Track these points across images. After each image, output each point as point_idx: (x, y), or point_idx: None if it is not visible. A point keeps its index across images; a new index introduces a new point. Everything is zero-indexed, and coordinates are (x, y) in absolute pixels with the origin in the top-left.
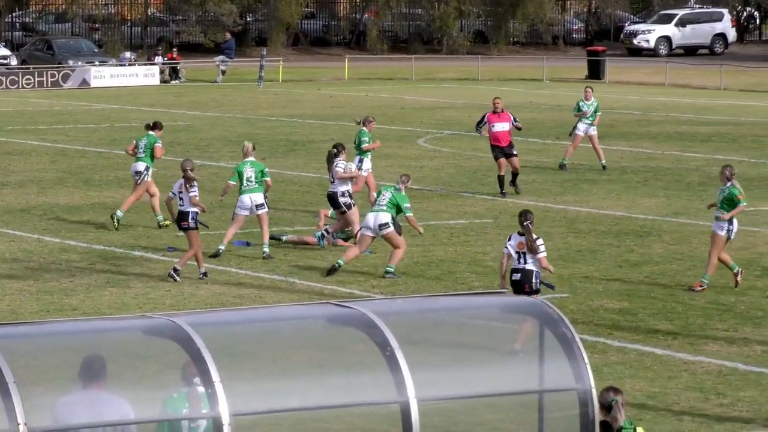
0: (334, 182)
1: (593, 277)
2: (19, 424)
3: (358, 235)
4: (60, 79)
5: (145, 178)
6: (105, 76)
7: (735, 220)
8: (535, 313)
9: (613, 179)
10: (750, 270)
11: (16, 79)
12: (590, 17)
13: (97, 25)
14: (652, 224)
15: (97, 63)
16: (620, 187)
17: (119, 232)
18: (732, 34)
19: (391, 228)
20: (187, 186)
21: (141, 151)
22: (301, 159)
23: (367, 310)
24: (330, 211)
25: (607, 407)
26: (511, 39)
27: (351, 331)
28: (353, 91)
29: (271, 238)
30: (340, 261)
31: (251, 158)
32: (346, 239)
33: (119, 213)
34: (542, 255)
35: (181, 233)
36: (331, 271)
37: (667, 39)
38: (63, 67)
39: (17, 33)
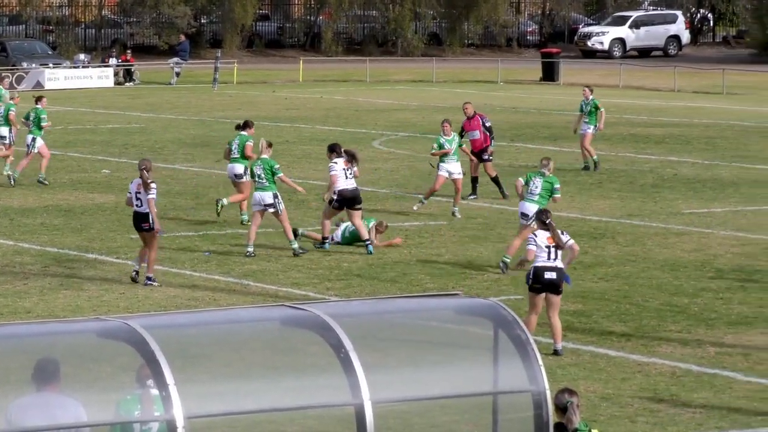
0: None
1: None
2: None
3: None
4: (14, 81)
5: (246, 178)
6: (59, 78)
7: None
8: (489, 315)
9: (567, 181)
10: (703, 272)
11: None
12: (544, 19)
13: (51, 27)
14: (606, 226)
15: (51, 65)
16: (574, 189)
17: (73, 234)
18: (686, 36)
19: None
20: (146, 188)
21: (235, 152)
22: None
23: (321, 312)
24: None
25: (562, 409)
26: (466, 41)
27: (305, 334)
28: (308, 93)
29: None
30: (505, 258)
31: (264, 156)
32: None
33: (230, 204)
34: (572, 241)
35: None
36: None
37: (621, 41)
38: (17, 69)
39: None
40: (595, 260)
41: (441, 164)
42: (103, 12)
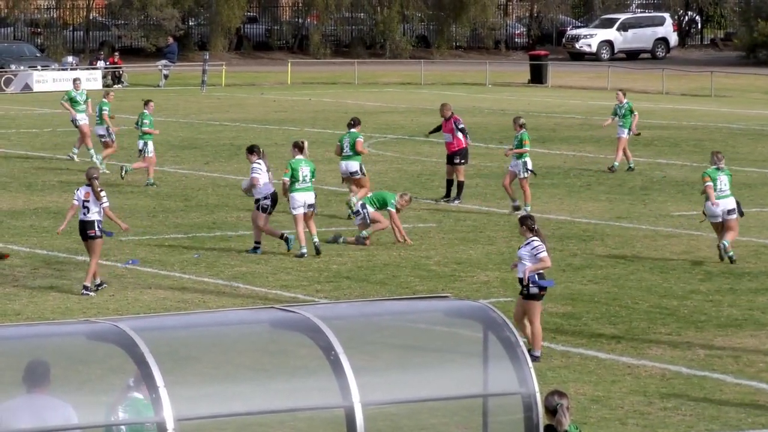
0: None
1: None
2: None
3: None
4: (2, 84)
5: (362, 174)
6: (47, 80)
7: None
8: (479, 318)
9: (556, 183)
10: (693, 274)
11: None
12: (532, 22)
13: (39, 30)
14: (595, 228)
15: (39, 67)
16: (563, 192)
17: (62, 237)
18: (674, 39)
19: None
20: (97, 197)
21: (347, 149)
22: (244, 163)
23: (311, 314)
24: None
25: (552, 411)
26: (454, 43)
27: (295, 336)
28: (296, 95)
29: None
30: None
31: (304, 156)
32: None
33: (354, 199)
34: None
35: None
36: None
37: (609, 43)
38: (5, 71)
39: None
40: (584, 262)
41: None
42: (91, 14)
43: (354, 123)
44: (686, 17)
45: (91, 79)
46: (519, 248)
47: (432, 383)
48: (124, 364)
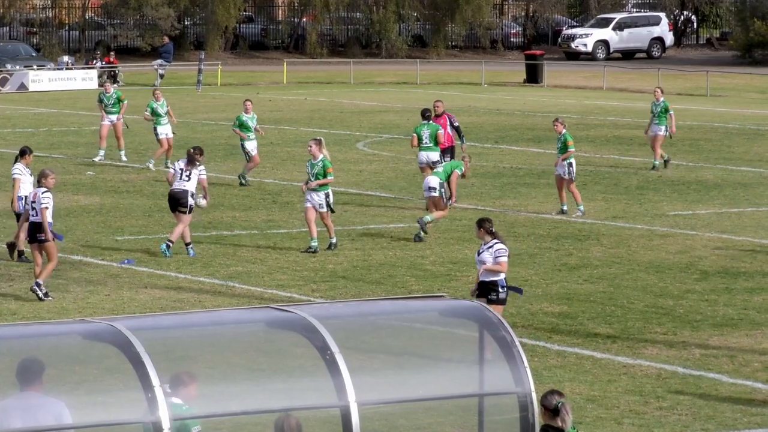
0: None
1: (532, 280)
2: None
3: None
4: None
5: (438, 167)
6: (43, 80)
7: None
8: (474, 317)
9: (552, 183)
10: (688, 273)
11: None
12: (528, 21)
13: (34, 29)
14: (591, 228)
15: (35, 67)
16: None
17: None
18: (669, 38)
19: None
20: (40, 193)
21: (427, 140)
22: (240, 163)
23: (306, 314)
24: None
25: (552, 410)
26: (450, 43)
27: (291, 335)
28: (292, 95)
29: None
30: None
31: (429, 121)
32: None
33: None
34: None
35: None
36: None
37: (605, 43)
38: (0, 71)
39: None
40: (580, 262)
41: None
42: (87, 14)
43: (430, 114)
44: (682, 17)
45: (87, 78)
46: (478, 252)
47: (428, 383)
48: (119, 363)
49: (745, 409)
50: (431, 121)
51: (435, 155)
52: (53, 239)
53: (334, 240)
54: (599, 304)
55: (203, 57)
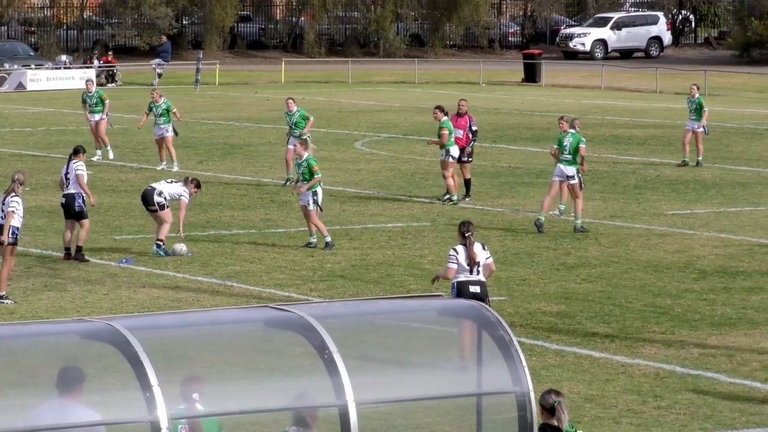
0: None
1: (530, 280)
2: None
3: None
4: None
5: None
6: (41, 79)
7: None
8: (473, 316)
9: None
10: (687, 273)
11: None
12: (526, 20)
13: (32, 29)
14: (589, 227)
15: (33, 66)
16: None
17: (56, 235)
18: (667, 38)
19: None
20: (9, 197)
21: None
22: (238, 162)
23: (305, 313)
24: None
25: (549, 409)
26: (448, 42)
27: (289, 335)
28: (290, 94)
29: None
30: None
31: (572, 130)
32: None
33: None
34: (490, 259)
35: None
36: None
37: (603, 42)
38: None
39: None
40: (578, 261)
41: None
42: (85, 13)
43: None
44: (680, 16)
45: (85, 78)
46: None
47: (426, 382)
48: (118, 363)
49: (744, 408)
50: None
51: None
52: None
53: (328, 239)
54: (597, 304)
55: (201, 56)
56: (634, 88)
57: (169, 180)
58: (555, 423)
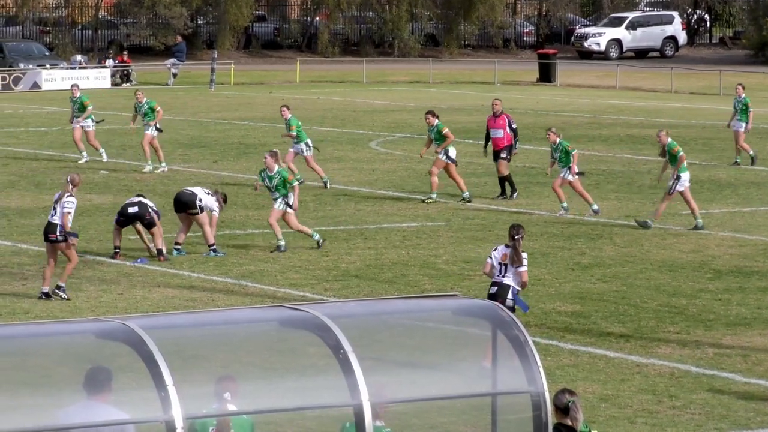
0: None
1: (545, 280)
2: None
3: None
4: (11, 82)
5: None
6: (56, 79)
7: None
8: (487, 316)
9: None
10: (701, 273)
11: None
12: (541, 20)
13: (47, 28)
14: (604, 227)
15: (48, 66)
16: (572, 190)
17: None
18: (682, 37)
19: None
20: (65, 197)
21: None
22: (253, 162)
23: (319, 313)
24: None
25: (563, 409)
26: (463, 42)
27: (304, 335)
28: (305, 93)
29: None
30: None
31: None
32: None
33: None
34: (523, 269)
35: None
36: None
37: (618, 42)
38: (14, 70)
39: None
40: (593, 261)
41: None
42: (100, 13)
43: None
44: (695, 16)
45: (100, 77)
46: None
47: (441, 382)
48: (132, 362)
49: (759, 408)
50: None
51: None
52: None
53: (316, 237)
54: (612, 303)
55: (216, 56)
56: (649, 88)
57: (206, 190)
58: (569, 423)
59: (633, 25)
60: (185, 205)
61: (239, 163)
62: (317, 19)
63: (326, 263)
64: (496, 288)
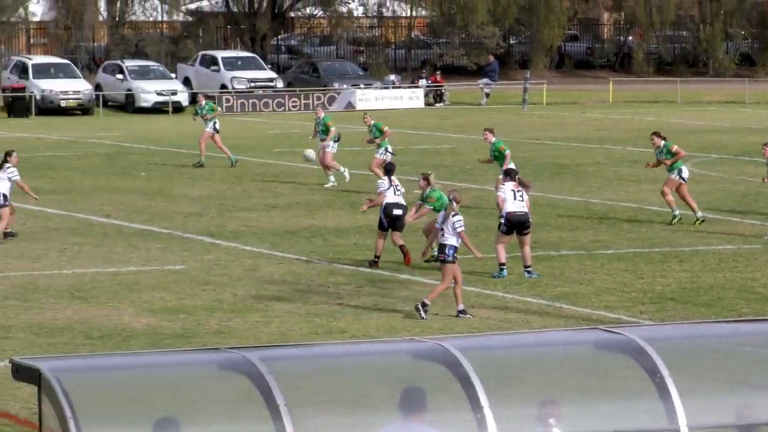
0: None
1: None
2: None
3: None
4: (326, 102)
5: None
6: (370, 98)
7: None
8: None
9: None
10: None
11: (283, 101)
12: None
13: (361, 48)
14: None
15: (361, 85)
16: None
17: (386, 254)
18: None
19: None
20: (451, 216)
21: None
22: (567, 183)
23: (635, 336)
24: None
25: None
26: None
27: (619, 357)
28: (618, 114)
29: None
30: None
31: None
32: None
33: None
34: None
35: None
36: None
37: None
38: (328, 89)
39: (283, 56)
40: None
41: None
42: (413, 33)
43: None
44: None
45: (414, 97)
46: None
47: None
48: (448, 383)
49: None
50: None
51: None
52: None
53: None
54: None
55: (528, 76)
56: None
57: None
58: None
59: None
60: (524, 226)
61: (553, 183)
62: (630, 38)
63: (641, 285)
64: None
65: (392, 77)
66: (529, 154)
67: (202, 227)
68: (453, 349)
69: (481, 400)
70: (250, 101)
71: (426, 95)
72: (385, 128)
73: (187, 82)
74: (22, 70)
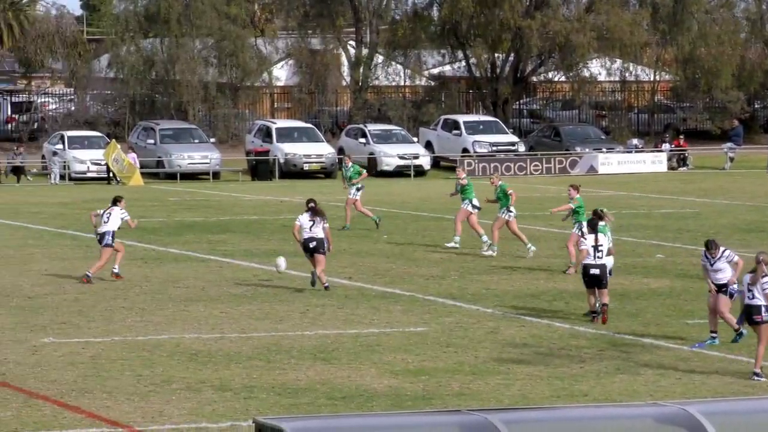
0: None
1: None
2: None
3: None
4: (567, 166)
5: None
6: (612, 162)
7: None
8: None
9: None
10: None
11: (524, 165)
12: None
13: (603, 112)
14: None
15: (604, 150)
16: None
17: (628, 319)
18: None
19: None
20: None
21: None
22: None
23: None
24: None
25: None
26: None
27: None
28: None
29: None
30: None
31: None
32: None
33: None
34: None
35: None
36: None
37: None
38: (570, 153)
39: (524, 120)
40: None
41: None
42: (656, 97)
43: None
44: None
45: (656, 161)
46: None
47: None
48: None
49: None
50: None
51: None
52: None
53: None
54: None
55: None
56: None
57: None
58: None
59: None
60: None
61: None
62: None
63: None
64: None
65: (635, 141)
66: None
67: (444, 290)
68: (697, 414)
69: None
70: (492, 165)
71: (669, 159)
72: (511, 191)
73: (429, 145)
74: (266, 133)
